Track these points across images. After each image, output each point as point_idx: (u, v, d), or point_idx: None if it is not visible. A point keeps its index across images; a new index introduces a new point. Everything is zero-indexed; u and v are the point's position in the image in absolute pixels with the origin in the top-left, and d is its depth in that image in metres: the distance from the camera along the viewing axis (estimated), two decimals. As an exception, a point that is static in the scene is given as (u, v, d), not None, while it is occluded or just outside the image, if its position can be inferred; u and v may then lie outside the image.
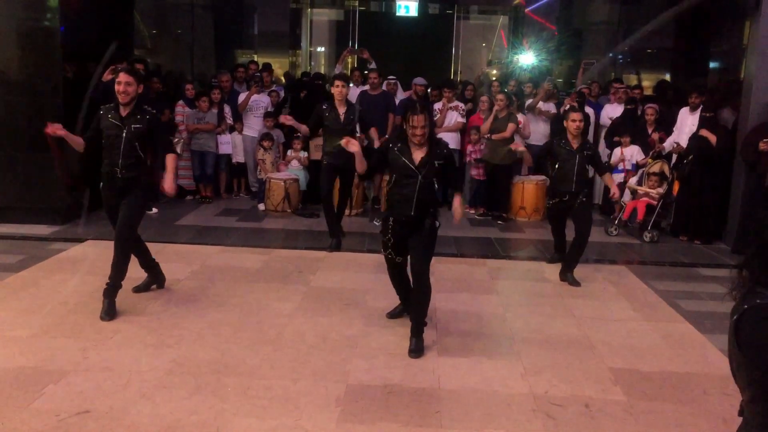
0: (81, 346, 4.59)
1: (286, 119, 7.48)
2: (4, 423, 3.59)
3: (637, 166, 8.88)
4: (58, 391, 3.97)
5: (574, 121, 6.41)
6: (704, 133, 8.03)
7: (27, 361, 4.34)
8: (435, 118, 9.47)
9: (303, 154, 9.45)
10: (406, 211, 4.77)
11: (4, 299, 5.45)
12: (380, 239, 5.03)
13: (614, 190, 6.73)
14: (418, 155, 4.76)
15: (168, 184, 5.35)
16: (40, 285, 5.83)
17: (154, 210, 8.71)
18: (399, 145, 4.82)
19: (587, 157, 6.45)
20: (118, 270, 5.20)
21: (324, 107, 7.30)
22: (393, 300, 5.42)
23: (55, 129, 5.14)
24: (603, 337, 5.13)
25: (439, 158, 4.78)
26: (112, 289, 5.19)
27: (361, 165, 4.93)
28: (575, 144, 6.43)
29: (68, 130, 5.25)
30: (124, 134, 5.13)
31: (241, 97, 9.84)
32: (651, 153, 8.72)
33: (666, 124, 9.02)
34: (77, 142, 5.32)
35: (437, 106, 9.67)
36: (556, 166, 6.52)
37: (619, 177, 9.08)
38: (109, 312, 5.10)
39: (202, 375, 4.24)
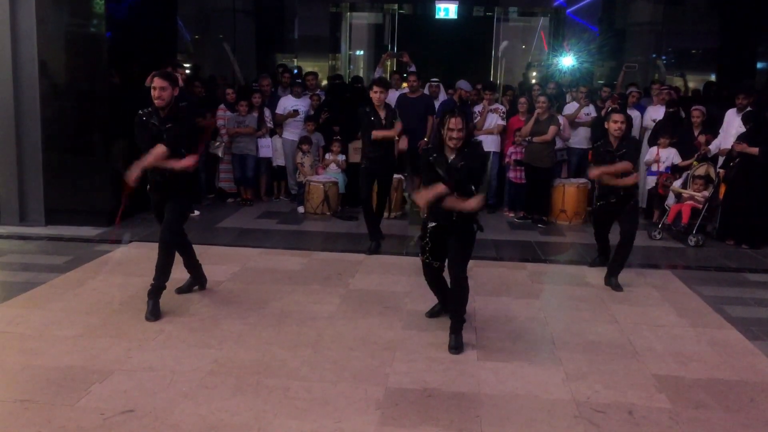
0: (125, 346, 4.68)
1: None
2: (51, 421, 3.67)
3: (672, 169, 8.70)
4: (103, 390, 4.04)
5: (615, 122, 6.27)
6: (742, 148, 7.83)
7: (73, 360, 4.43)
8: (475, 121, 9.44)
9: (341, 158, 9.49)
10: (447, 217, 4.76)
11: (52, 300, 5.58)
12: (418, 244, 5.03)
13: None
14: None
15: (133, 170, 5.15)
16: (86, 286, 5.96)
17: (196, 212, 8.84)
18: (435, 155, 4.81)
19: (625, 157, 6.26)
20: (162, 271, 5.29)
21: (367, 111, 7.27)
22: (432, 302, 5.42)
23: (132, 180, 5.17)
24: (647, 343, 5.03)
25: (466, 160, 4.73)
26: (156, 290, 5.28)
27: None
28: (615, 145, 6.31)
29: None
30: (164, 137, 5.19)
31: (282, 103, 9.91)
32: (696, 155, 8.55)
33: (713, 126, 8.84)
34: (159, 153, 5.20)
35: (477, 108, 9.62)
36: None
37: (652, 180, 8.92)
38: (154, 312, 5.19)
39: (243, 376, 4.28)
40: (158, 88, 5.16)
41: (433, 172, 4.77)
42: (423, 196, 4.80)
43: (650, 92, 10.35)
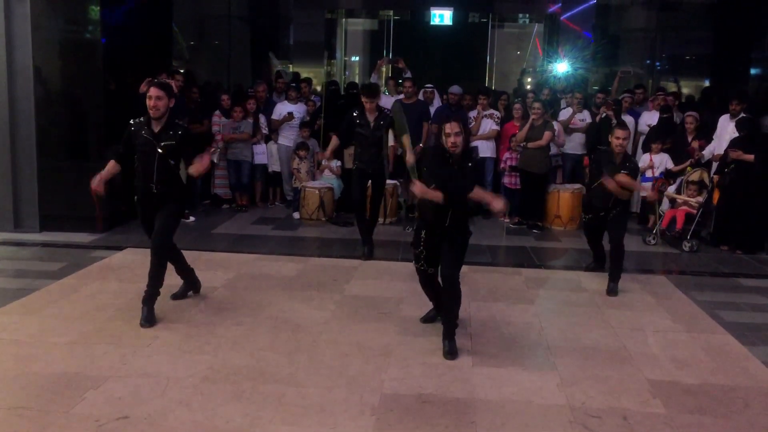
0: (120, 352, 4.67)
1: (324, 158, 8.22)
2: (45, 428, 3.66)
3: (666, 174, 8.72)
4: (98, 396, 4.03)
5: (617, 138, 6.24)
6: (738, 155, 7.84)
7: (68, 366, 4.42)
8: (470, 126, 9.45)
9: (336, 163, 9.49)
10: (440, 223, 4.76)
11: (46, 306, 5.57)
12: (412, 251, 5.04)
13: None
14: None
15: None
16: (80, 292, 5.94)
17: (192, 218, 8.83)
18: (433, 157, 4.82)
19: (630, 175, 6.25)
20: (155, 278, 5.27)
21: (354, 114, 7.34)
22: (427, 308, 5.42)
23: (98, 187, 5.22)
24: (641, 348, 5.05)
25: (469, 175, 4.76)
26: (150, 297, 5.26)
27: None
28: (618, 160, 6.30)
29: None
30: (158, 151, 5.15)
31: (278, 109, 9.91)
32: (690, 161, 8.58)
33: (707, 132, 8.86)
34: (113, 171, 5.34)
35: (472, 113, 9.65)
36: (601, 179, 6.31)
37: (646, 186, 8.91)
38: (149, 319, 5.18)
39: (238, 382, 4.27)
40: (154, 97, 5.10)
41: (437, 171, 4.75)
42: (421, 189, 4.68)
43: (633, 95, 10.38)
